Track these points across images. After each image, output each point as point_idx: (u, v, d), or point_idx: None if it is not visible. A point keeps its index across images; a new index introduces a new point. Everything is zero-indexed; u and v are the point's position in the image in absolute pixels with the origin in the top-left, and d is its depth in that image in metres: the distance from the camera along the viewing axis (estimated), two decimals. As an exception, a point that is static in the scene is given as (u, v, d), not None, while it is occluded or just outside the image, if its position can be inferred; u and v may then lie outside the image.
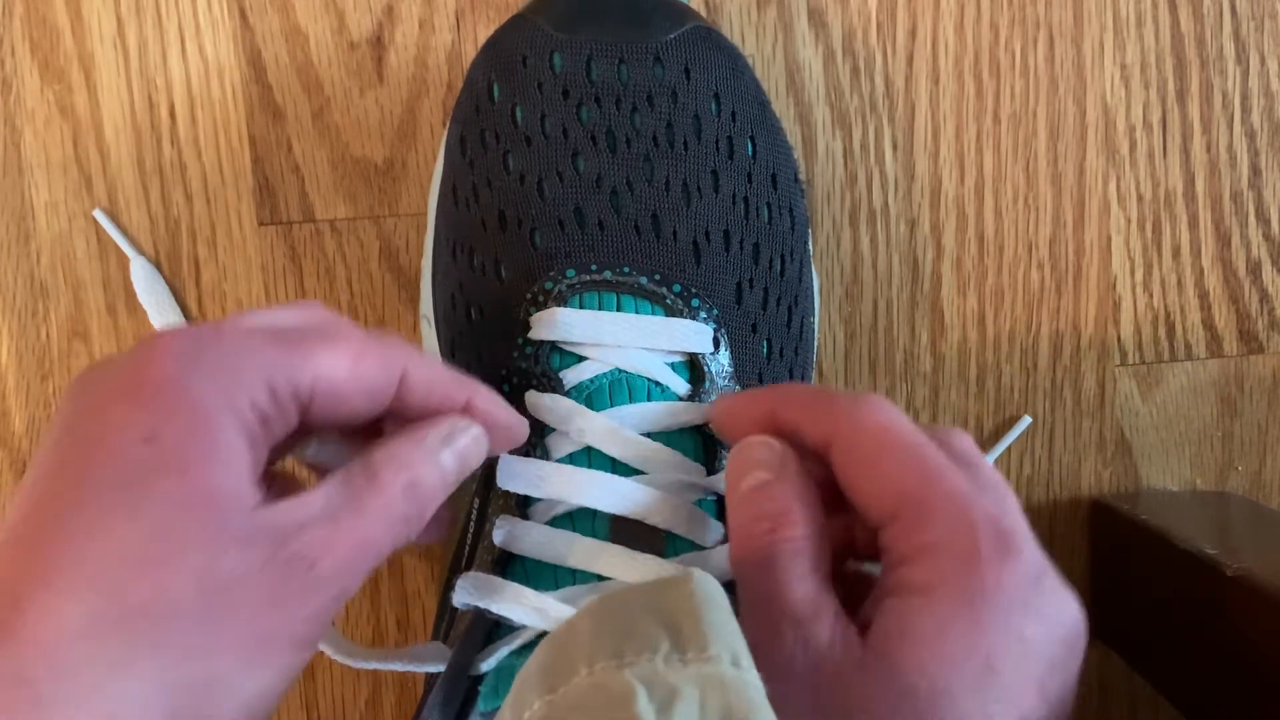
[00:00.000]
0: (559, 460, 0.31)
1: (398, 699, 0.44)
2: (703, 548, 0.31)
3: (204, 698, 0.22)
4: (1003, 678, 0.23)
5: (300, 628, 0.23)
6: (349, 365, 0.25)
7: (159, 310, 0.42)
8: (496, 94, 0.35)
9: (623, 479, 0.30)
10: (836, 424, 0.27)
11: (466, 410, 0.28)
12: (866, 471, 0.26)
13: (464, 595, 0.29)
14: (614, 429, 0.31)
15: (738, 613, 0.22)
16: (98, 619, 0.21)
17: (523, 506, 0.31)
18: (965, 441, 0.27)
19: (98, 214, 0.42)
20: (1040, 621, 0.24)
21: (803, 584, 0.25)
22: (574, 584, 0.29)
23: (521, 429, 0.29)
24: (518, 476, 0.31)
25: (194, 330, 0.24)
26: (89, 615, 0.21)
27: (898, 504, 0.25)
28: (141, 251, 0.42)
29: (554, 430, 0.32)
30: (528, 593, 0.28)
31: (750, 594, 0.26)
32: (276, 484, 0.25)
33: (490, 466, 0.31)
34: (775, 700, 0.20)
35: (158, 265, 0.42)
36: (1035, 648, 0.23)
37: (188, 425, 0.22)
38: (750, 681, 0.19)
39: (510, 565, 0.31)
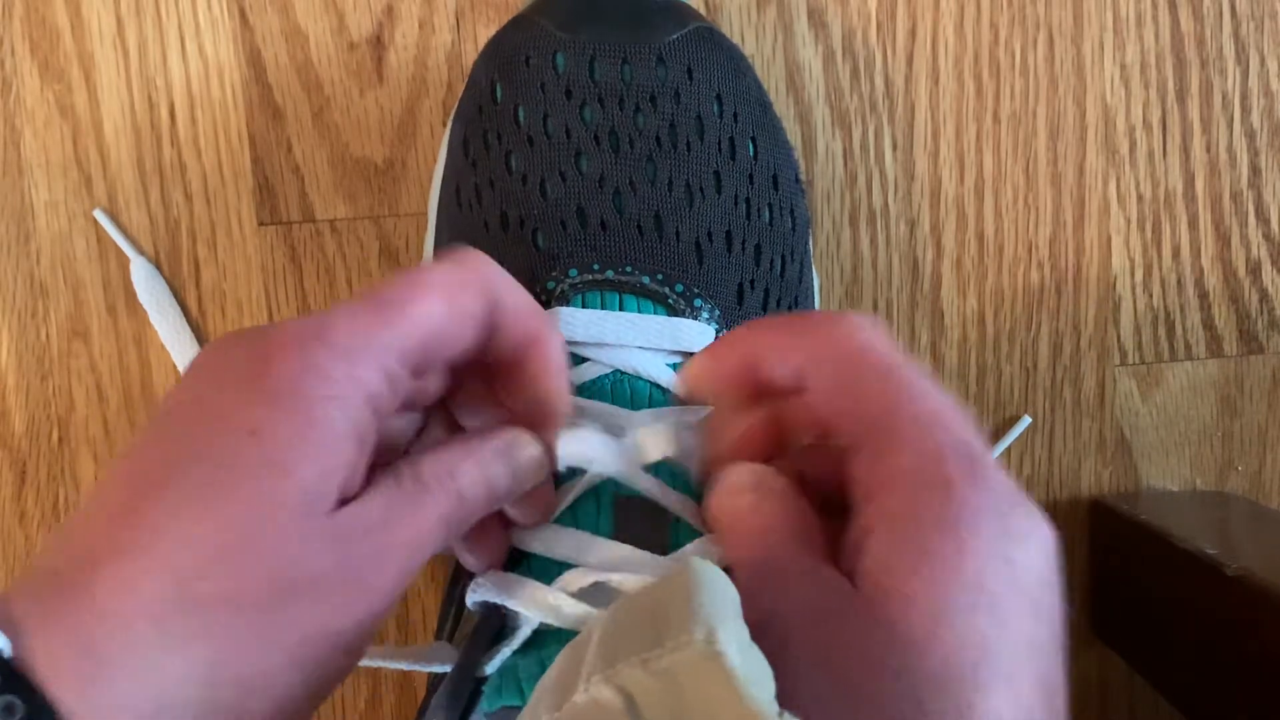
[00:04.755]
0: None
1: (398, 699, 0.44)
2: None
3: (248, 693, 0.22)
4: (996, 599, 0.22)
5: (352, 635, 0.23)
6: (444, 307, 0.25)
7: (159, 310, 0.42)
8: (499, 94, 0.35)
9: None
10: (811, 348, 0.26)
11: (537, 347, 0.27)
12: (836, 396, 0.25)
13: (483, 593, 0.29)
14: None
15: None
16: (168, 600, 0.21)
17: None
18: (921, 365, 0.27)
19: (98, 214, 0.42)
20: (1022, 541, 0.23)
21: (795, 560, 0.25)
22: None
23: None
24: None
25: (316, 325, 0.24)
26: (160, 595, 0.21)
27: (866, 429, 0.24)
28: (141, 252, 0.42)
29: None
30: (543, 589, 0.28)
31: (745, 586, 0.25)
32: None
33: None
34: (779, 664, 0.19)
35: (158, 265, 0.42)
36: (1021, 570, 0.23)
37: (295, 426, 0.23)
38: (720, 653, 0.19)
39: (519, 564, 0.31)
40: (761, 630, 0.20)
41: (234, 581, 0.21)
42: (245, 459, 0.22)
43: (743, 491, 0.27)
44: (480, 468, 0.26)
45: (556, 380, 0.28)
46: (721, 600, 0.20)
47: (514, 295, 0.26)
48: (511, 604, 0.28)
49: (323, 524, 0.23)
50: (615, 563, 0.29)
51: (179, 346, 0.42)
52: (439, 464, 0.26)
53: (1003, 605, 0.22)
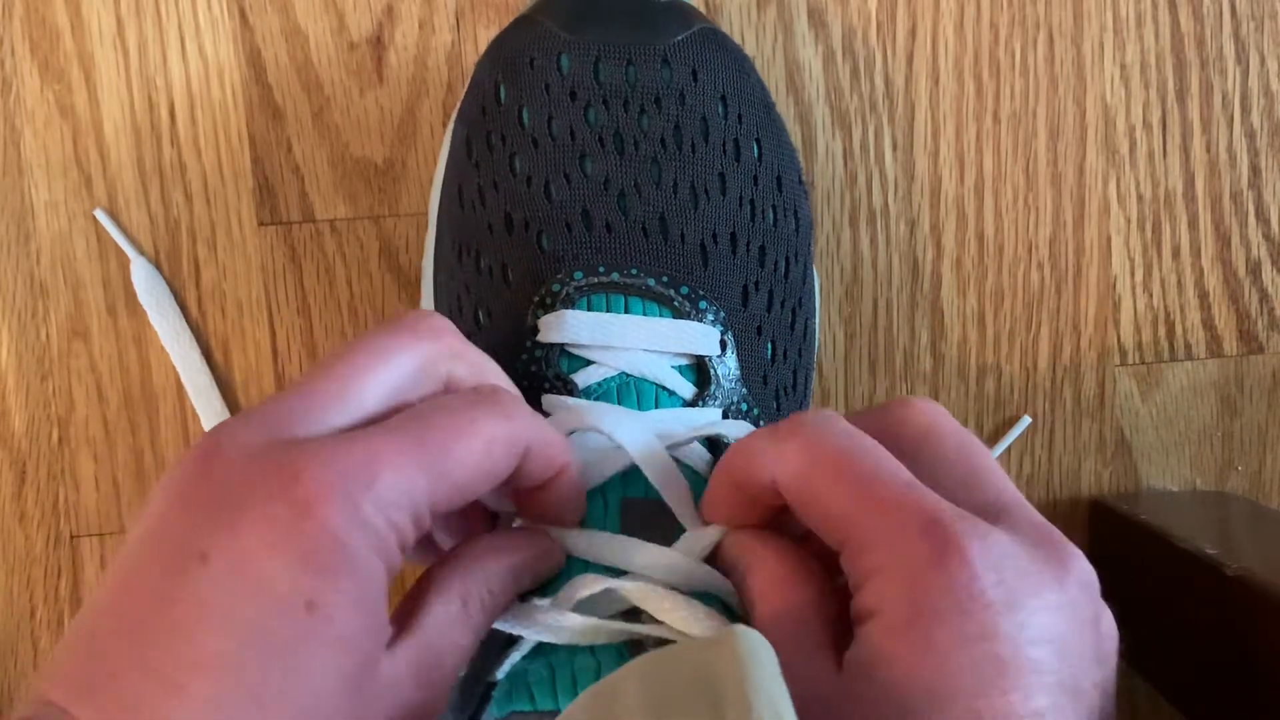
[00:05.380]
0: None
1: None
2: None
3: None
4: (1009, 669, 0.22)
5: None
6: (483, 460, 0.24)
7: (159, 311, 0.42)
8: (503, 95, 0.35)
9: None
10: (775, 460, 0.25)
11: (562, 476, 0.27)
12: (803, 505, 0.25)
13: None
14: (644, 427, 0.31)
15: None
16: None
17: None
18: (916, 413, 0.26)
19: (98, 214, 0.42)
20: (1015, 610, 0.22)
21: (804, 654, 0.25)
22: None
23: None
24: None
25: (359, 468, 0.22)
26: None
27: (840, 530, 0.24)
28: (142, 252, 0.42)
29: (572, 433, 0.32)
30: (543, 607, 0.28)
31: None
32: None
33: None
34: None
35: (158, 265, 0.42)
36: (1034, 629, 0.22)
37: (349, 596, 0.22)
38: None
39: None
40: None
41: None
42: (309, 635, 0.21)
43: (739, 556, 0.27)
44: (515, 585, 0.27)
45: (578, 499, 0.29)
46: (774, 676, 0.20)
47: (541, 436, 0.26)
48: (507, 626, 0.28)
49: (378, 687, 0.22)
50: (626, 554, 0.29)
51: (179, 347, 0.42)
52: (483, 589, 0.26)
53: (1022, 677, 0.22)
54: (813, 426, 0.25)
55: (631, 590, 0.27)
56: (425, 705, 0.24)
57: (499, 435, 0.25)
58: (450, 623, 0.25)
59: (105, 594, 0.22)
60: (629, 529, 0.30)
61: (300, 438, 0.23)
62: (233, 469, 0.22)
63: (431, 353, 0.26)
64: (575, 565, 0.30)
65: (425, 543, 0.30)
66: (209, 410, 0.42)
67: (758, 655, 0.20)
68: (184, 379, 0.42)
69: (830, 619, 0.25)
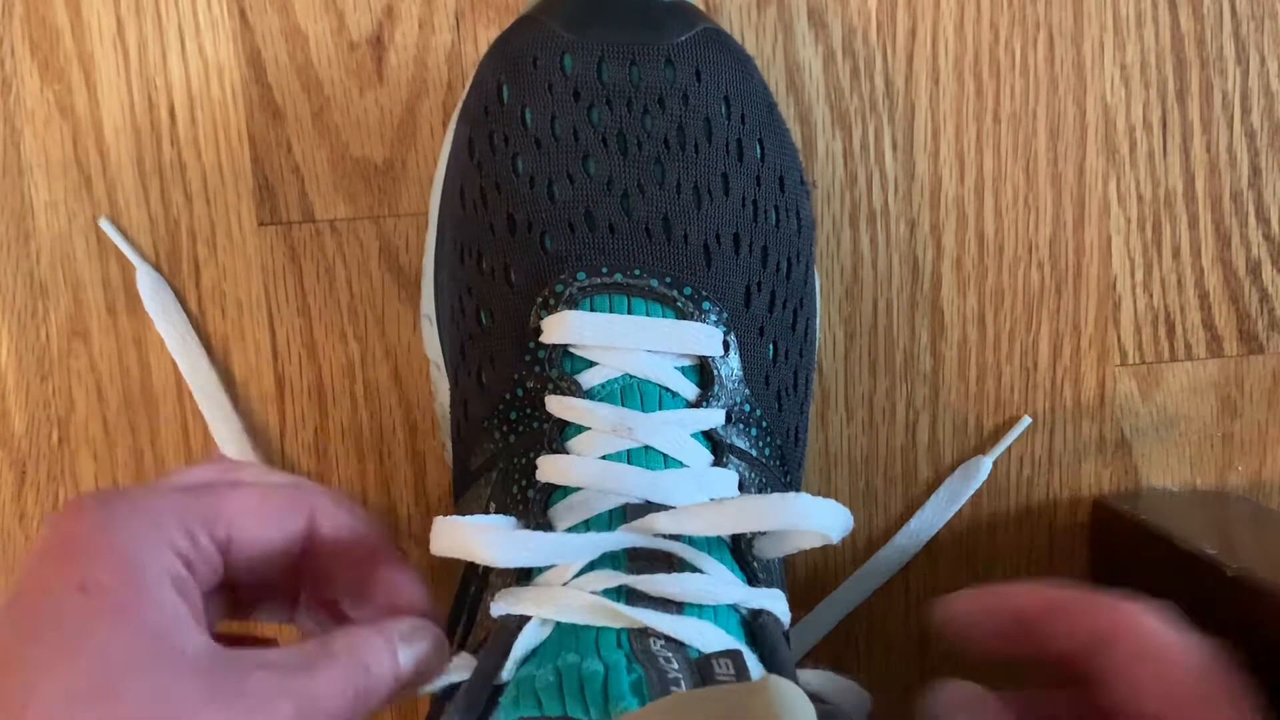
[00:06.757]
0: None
1: (397, 711, 0.43)
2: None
3: None
4: None
5: None
6: (255, 505, 0.27)
7: (165, 318, 0.42)
8: (506, 95, 0.35)
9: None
10: (1114, 622, 0.27)
11: (373, 560, 0.29)
12: (1146, 671, 0.26)
13: (505, 605, 0.29)
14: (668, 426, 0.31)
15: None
16: None
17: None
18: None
19: (103, 223, 0.42)
20: None
21: None
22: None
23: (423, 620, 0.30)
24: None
25: (110, 490, 0.27)
26: None
27: (1170, 708, 0.26)
28: (143, 255, 0.42)
29: (578, 433, 0.32)
30: (559, 590, 0.28)
31: None
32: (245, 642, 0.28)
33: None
34: None
35: (157, 265, 0.42)
36: None
37: (115, 571, 0.24)
38: None
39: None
40: None
41: (112, 716, 0.22)
42: (84, 611, 0.23)
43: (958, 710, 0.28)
44: (387, 645, 0.27)
45: (413, 582, 0.30)
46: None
47: (334, 514, 0.29)
48: (529, 610, 0.28)
49: (193, 652, 0.24)
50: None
51: (185, 354, 0.42)
52: (347, 636, 0.27)
53: None
54: (1154, 609, 0.27)
55: (637, 584, 0.28)
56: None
57: (273, 493, 0.28)
58: (309, 659, 0.26)
59: None
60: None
61: None
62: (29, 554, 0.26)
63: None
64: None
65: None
66: (218, 417, 0.42)
67: (794, 706, 0.21)
68: (191, 386, 0.42)
69: None
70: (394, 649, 0.27)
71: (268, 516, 0.28)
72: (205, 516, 0.26)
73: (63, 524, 0.25)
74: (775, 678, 0.21)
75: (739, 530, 0.30)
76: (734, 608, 0.30)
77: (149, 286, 0.42)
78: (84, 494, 0.27)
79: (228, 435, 0.42)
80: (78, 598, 0.23)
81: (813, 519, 0.29)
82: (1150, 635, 0.27)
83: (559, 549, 0.29)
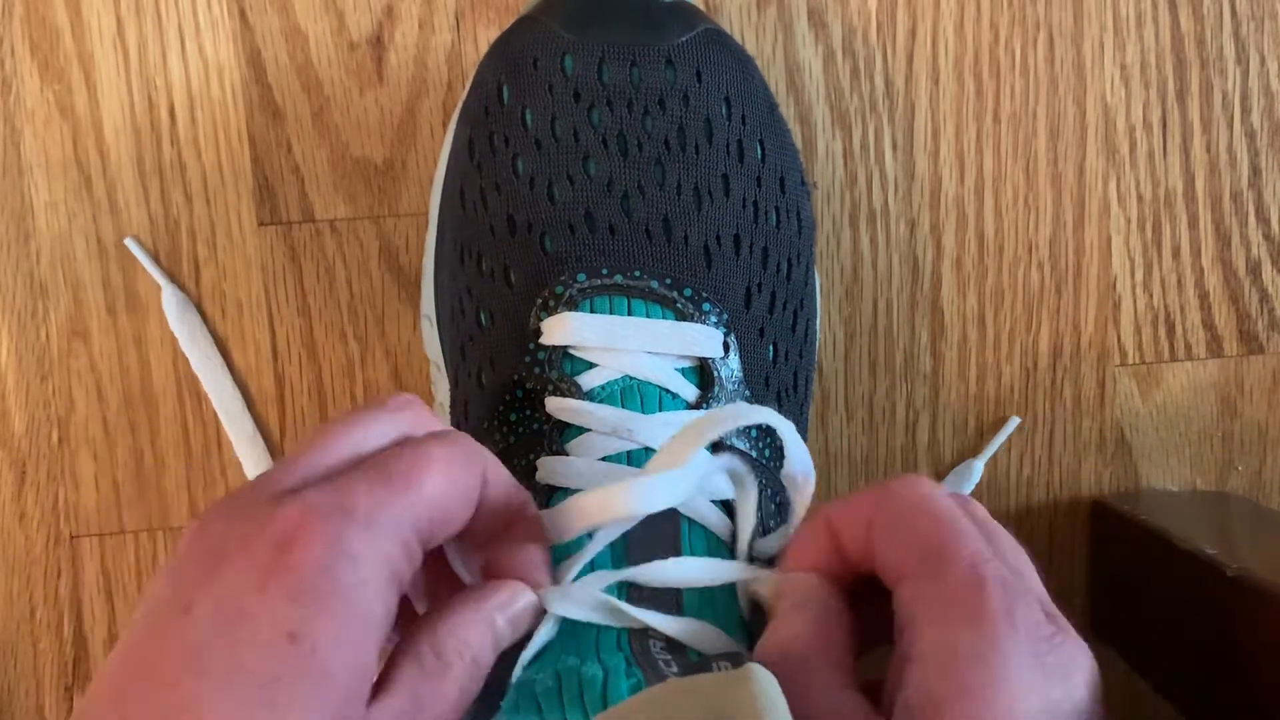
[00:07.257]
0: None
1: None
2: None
3: None
4: None
5: None
6: (447, 487, 0.25)
7: (191, 339, 0.42)
8: (506, 96, 0.35)
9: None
10: (878, 502, 0.27)
11: (523, 510, 0.28)
12: (895, 533, 0.26)
13: None
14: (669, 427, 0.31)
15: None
16: None
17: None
18: (980, 510, 0.28)
19: (129, 243, 0.42)
20: (1060, 678, 0.24)
21: (829, 693, 0.25)
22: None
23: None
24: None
25: (334, 498, 0.23)
26: None
27: (918, 559, 0.25)
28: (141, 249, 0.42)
29: (578, 435, 0.32)
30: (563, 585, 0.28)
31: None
32: None
33: None
34: None
35: (157, 265, 0.42)
36: (1057, 705, 0.23)
37: (335, 627, 0.22)
38: None
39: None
40: None
41: None
42: (290, 667, 0.21)
43: (789, 600, 0.28)
44: (491, 632, 0.26)
45: (542, 545, 0.29)
46: (785, 715, 0.20)
47: (496, 470, 0.27)
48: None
49: None
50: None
51: (210, 375, 0.42)
52: (455, 637, 0.26)
53: None
54: (923, 479, 0.28)
55: (641, 578, 0.28)
56: None
57: (455, 457, 0.25)
58: (424, 675, 0.25)
59: (102, 678, 0.22)
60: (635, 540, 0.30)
61: (277, 492, 0.23)
62: (216, 531, 0.23)
63: (403, 424, 0.26)
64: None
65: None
66: (241, 435, 0.42)
67: (773, 697, 0.21)
68: (216, 405, 0.42)
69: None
70: (495, 633, 0.27)
71: (456, 495, 0.25)
72: (415, 520, 0.24)
73: (286, 547, 0.22)
74: (757, 667, 0.21)
75: (708, 441, 0.30)
76: (735, 600, 0.30)
77: (175, 307, 0.42)
78: (306, 502, 0.23)
79: (253, 457, 0.42)
80: (287, 649, 0.21)
81: (756, 415, 0.30)
82: (907, 499, 0.27)
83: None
